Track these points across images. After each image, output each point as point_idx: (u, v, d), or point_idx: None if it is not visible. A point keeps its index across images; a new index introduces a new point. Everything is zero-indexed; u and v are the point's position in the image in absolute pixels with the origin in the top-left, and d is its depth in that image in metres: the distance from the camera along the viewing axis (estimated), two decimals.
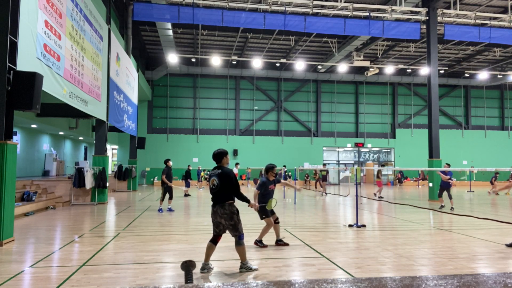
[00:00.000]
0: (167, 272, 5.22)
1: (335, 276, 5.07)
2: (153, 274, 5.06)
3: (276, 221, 7.05)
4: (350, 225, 9.27)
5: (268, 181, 6.96)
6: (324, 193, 19.89)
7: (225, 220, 5.11)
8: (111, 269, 5.32)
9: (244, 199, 5.26)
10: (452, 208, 13.07)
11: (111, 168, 29.10)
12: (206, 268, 5.19)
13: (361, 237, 7.78)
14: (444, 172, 13.25)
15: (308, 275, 5.07)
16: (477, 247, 6.84)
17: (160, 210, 12.20)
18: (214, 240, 5.28)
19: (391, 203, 13.03)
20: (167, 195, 12.24)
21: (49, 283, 4.67)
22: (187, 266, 4.84)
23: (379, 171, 17.51)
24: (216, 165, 5.37)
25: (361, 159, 35.18)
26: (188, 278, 4.74)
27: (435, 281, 0.99)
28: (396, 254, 6.26)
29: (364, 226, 9.16)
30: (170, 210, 12.33)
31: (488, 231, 8.54)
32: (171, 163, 12.43)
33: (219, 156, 5.31)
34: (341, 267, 5.45)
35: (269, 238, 7.42)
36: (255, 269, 5.20)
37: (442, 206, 13.60)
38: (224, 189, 5.13)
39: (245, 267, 5.16)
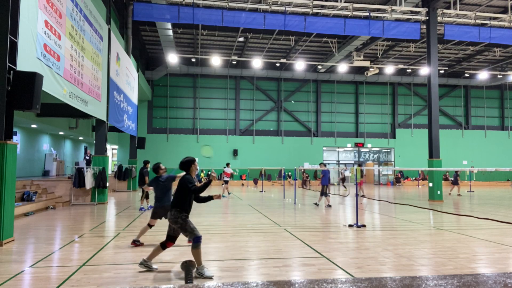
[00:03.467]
0: (167, 272, 5.22)
1: (335, 276, 5.07)
2: (153, 274, 5.06)
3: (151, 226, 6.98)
4: (350, 225, 9.27)
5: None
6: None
7: (173, 224, 5.06)
8: (111, 269, 5.32)
9: (204, 185, 5.09)
10: (317, 204, 13.77)
11: (111, 168, 29.09)
12: (144, 264, 5.21)
13: (361, 237, 7.78)
14: (324, 172, 13.83)
15: (308, 275, 5.07)
16: (477, 247, 6.84)
17: (142, 208, 13.02)
18: (163, 244, 5.20)
19: (391, 203, 13.03)
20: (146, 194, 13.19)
21: (49, 283, 4.67)
22: (187, 266, 4.84)
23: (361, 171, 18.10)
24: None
25: (361, 159, 35.18)
26: (188, 278, 4.74)
27: (435, 281, 0.99)
28: (396, 254, 6.26)
29: (364, 226, 9.16)
30: (146, 208, 12.93)
31: (488, 231, 8.54)
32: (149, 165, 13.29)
33: (186, 164, 5.26)
34: (341, 267, 5.45)
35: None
36: (210, 277, 4.91)
37: (329, 206, 13.76)
38: (176, 193, 5.13)
39: (198, 272, 4.91)
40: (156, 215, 6.88)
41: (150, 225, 6.90)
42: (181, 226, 4.97)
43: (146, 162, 13.11)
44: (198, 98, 31.85)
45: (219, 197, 5.22)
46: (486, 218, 9.16)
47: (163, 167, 7.51)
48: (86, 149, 28.14)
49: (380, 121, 34.46)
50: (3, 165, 6.89)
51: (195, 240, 4.89)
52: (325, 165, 14.01)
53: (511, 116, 36.15)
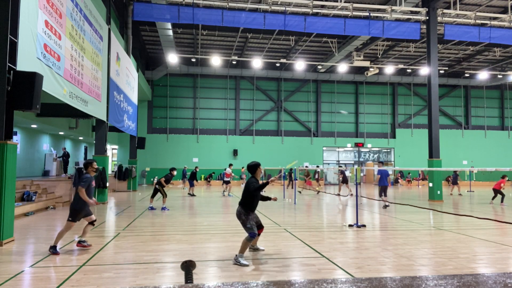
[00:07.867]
0: (167, 272, 5.22)
1: (335, 276, 5.07)
2: (153, 274, 5.06)
3: (93, 223, 6.76)
4: (350, 225, 9.27)
5: (90, 177, 6.63)
6: (317, 192, 20.75)
7: (237, 219, 6.00)
8: (111, 269, 5.32)
9: (262, 185, 5.83)
10: (387, 205, 13.47)
11: (111, 168, 29.09)
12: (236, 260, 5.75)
13: (361, 237, 7.78)
14: (380, 171, 13.59)
15: (308, 275, 5.07)
16: (477, 247, 6.84)
17: (151, 207, 13.07)
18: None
19: (391, 203, 13.03)
20: (158, 194, 13.39)
21: (49, 283, 4.67)
22: (187, 266, 4.83)
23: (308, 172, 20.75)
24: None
25: (361, 159, 35.17)
26: (188, 278, 4.75)
27: (435, 281, 0.99)
28: (396, 254, 6.26)
29: (364, 226, 9.16)
30: (164, 208, 12.95)
31: (488, 231, 8.54)
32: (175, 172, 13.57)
33: (253, 168, 6.10)
34: (341, 267, 5.45)
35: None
36: (244, 265, 5.48)
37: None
38: (243, 193, 6.00)
39: (236, 259, 5.61)
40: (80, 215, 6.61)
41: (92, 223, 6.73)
42: (243, 222, 5.89)
43: (172, 169, 13.34)
44: (198, 98, 31.84)
45: (275, 199, 6.39)
46: (486, 218, 9.15)
47: (95, 166, 6.82)
48: (85, 148, 28.16)
49: (380, 121, 34.45)
50: (3, 165, 6.89)
51: (250, 235, 5.74)
52: (382, 164, 13.81)
53: (511, 116, 36.14)
